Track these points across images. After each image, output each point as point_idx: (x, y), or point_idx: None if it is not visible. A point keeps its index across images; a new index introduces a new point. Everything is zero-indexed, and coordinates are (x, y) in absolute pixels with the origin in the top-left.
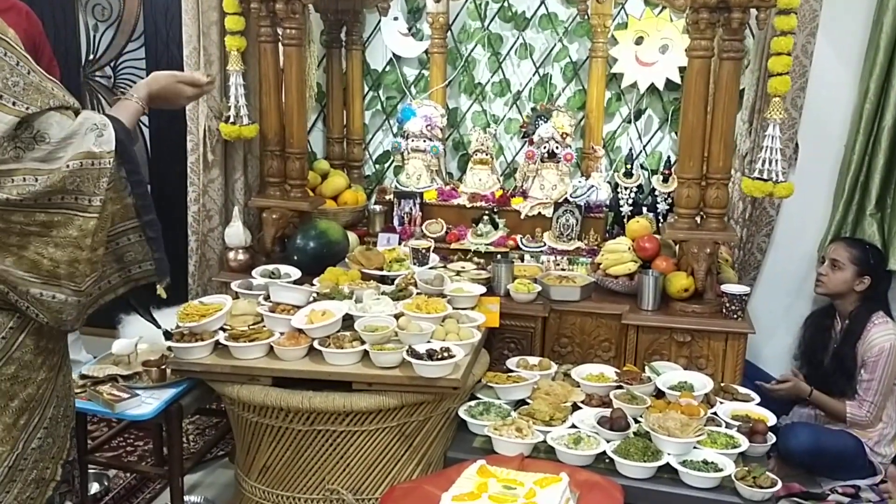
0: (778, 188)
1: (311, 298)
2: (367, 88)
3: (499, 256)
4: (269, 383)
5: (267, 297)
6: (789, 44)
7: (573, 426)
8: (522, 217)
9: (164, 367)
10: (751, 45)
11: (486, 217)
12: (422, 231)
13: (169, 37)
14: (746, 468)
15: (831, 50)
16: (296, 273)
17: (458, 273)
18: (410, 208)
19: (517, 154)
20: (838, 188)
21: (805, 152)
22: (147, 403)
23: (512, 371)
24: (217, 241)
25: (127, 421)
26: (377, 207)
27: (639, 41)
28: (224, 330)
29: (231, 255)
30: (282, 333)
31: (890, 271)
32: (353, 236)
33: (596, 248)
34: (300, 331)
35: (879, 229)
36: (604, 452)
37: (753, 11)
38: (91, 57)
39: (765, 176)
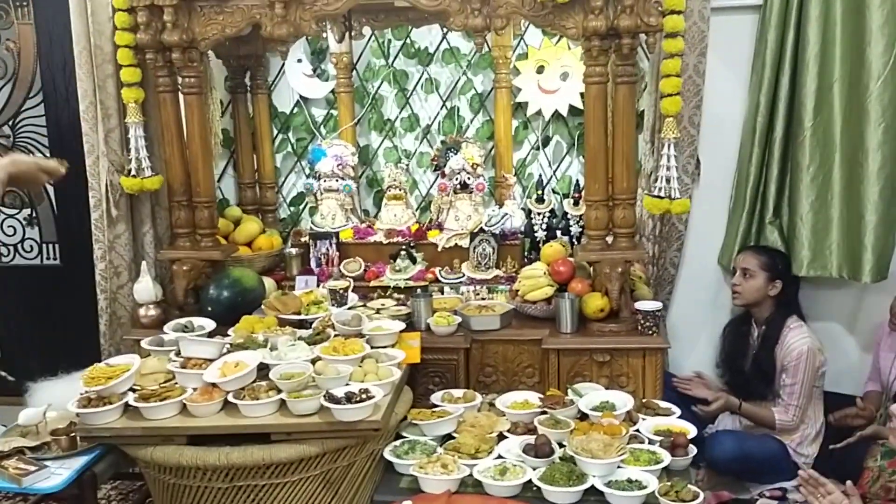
0: (674, 205)
1: (224, 350)
2: (275, 131)
3: (418, 291)
4: (184, 442)
5: (178, 353)
6: (677, 66)
7: (499, 457)
8: (440, 249)
9: (72, 434)
10: (647, 68)
11: (403, 252)
12: (340, 271)
13: (69, 92)
14: (669, 483)
15: (723, 68)
16: (210, 325)
17: (377, 311)
18: (327, 249)
19: (431, 187)
20: (737, 199)
21: (707, 167)
22: (57, 474)
23: (437, 406)
24: (128, 298)
25: (39, 495)
26: (293, 250)
27: (540, 70)
28: (133, 391)
29: (142, 311)
30: (194, 389)
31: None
32: (269, 282)
33: (514, 274)
34: (213, 385)
35: (780, 235)
36: (530, 481)
37: (643, 36)
38: None
39: (662, 194)
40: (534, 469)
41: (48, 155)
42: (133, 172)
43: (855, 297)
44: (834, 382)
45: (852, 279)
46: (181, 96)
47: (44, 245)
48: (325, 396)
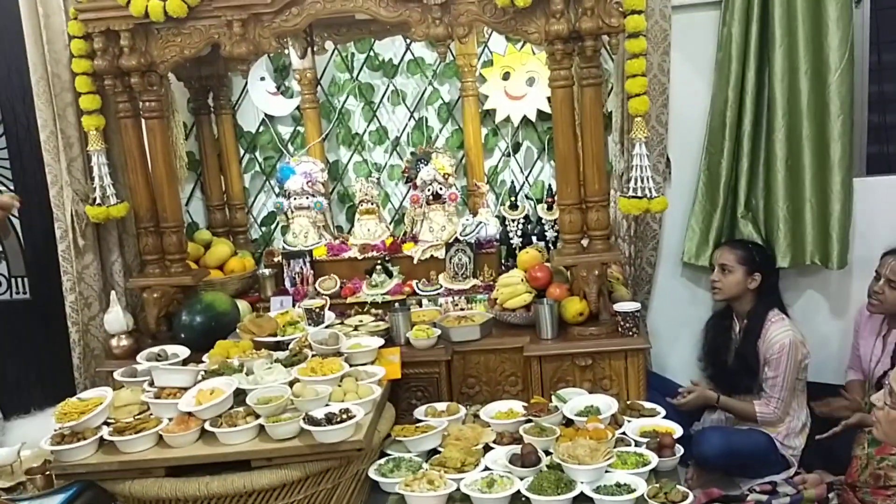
0: (653, 204)
1: (199, 377)
2: (242, 151)
3: (396, 305)
4: (162, 474)
5: (152, 383)
6: (642, 65)
7: (486, 468)
8: (415, 262)
9: (48, 472)
10: (612, 69)
11: (378, 267)
12: (315, 289)
13: (29, 122)
14: (658, 485)
15: (686, 65)
16: (184, 352)
17: (355, 328)
18: (301, 268)
19: (403, 199)
20: (708, 195)
21: (677, 165)
22: None
23: (420, 420)
24: (99, 329)
25: None
26: (266, 271)
27: (506, 76)
28: (108, 424)
29: (114, 342)
30: (170, 419)
31: (776, 265)
32: (243, 304)
33: (492, 283)
34: (189, 414)
35: (755, 228)
36: (518, 491)
37: (606, 38)
38: None
39: (639, 193)
40: (521, 479)
41: (12, 188)
42: (98, 201)
43: (833, 284)
44: (816, 372)
45: (823, 265)
46: (143, 121)
47: (13, 279)
48: (304, 419)
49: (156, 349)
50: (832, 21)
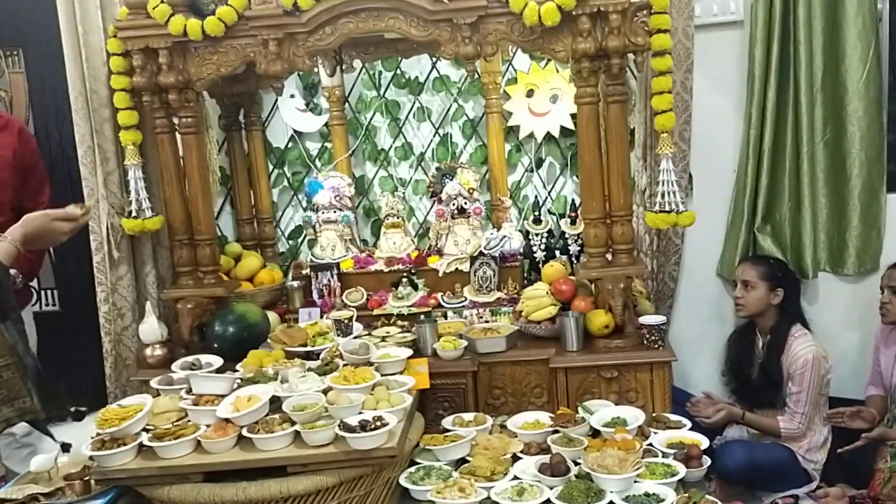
0: (681, 218)
1: (235, 385)
2: (271, 166)
3: (422, 317)
4: (200, 480)
5: (189, 391)
6: (668, 83)
7: (515, 478)
8: (440, 275)
9: (87, 478)
10: (635, 87)
11: (404, 279)
12: (342, 301)
13: (62, 138)
14: (687, 495)
15: (708, 83)
16: (218, 361)
17: (383, 339)
18: (328, 280)
19: (428, 214)
20: (736, 211)
21: (698, 181)
22: None
23: (448, 430)
24: (132, 339)
25: None
26: (295, 283)
27: (530, 94)
28: (147, 430)
29: (148, 351)
30: (208, 426)
31: (798, 280)
32: (273, 315)
33: (516, 296)
34: (227, 420)
35: (774, 243)
36: (548, 500)
37: (631, 56)
38: None
39: (666, 208)
40: (551, 488)
41: None
42: (133, 214)
43: (852, 297)
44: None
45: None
46: (178, 136)
47: (43, 291)
48: (339, 426)
49: (190, 358)
50: (850, 44)
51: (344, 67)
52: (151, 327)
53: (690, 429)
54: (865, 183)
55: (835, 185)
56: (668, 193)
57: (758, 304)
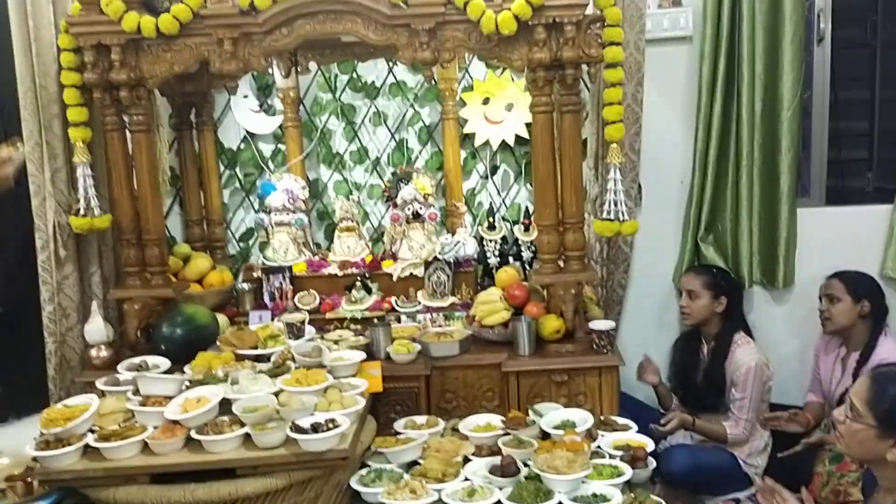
0: (624, 226)
1: (184, 387)
2: (222, 167)
3: (375, 321)
4: (147, 482)
5: (136, 392)
6: (619, 94)
7: (466, 479)
8: (395, 279)
9: (29, 479)
10: (588, 98)
11: (358, 283)
12: (294, 304)
13: (6, 134)
14: (633, 495)
15: (659, 97)
16: (165, 363)
17: (336, 342)
18: (280, 283)
19: (382, 218)
20: (686, 221)
21: (648, 191)
22: None
23: (400, 433)
24: (77, 340)
25: None
26: (245, 286)
27: (486, 101)
28: (93, 431)
29: (93, 352)
30: (155, 427)
31: (741, 288)
32: (222, 318)
33: (469, 301)
34: (175, 422)
35: (717, 252)
36: (499, 501)
37: (585, 67)
38: None
39: (612, 216)
40: (501, 489)
41: None
42: (82, 212)
43: (790, 306)
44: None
45: (772, 286)
46: (128, 134)
47: None
48: (291, 427)
49: (137, 360)
50: (787, 62)
51: (299, 69)
52: (97, 328)
53: (637, 431)
54: (793, 202)
55: (767, 198)
56: (615, 202)
57: (702, 313)
